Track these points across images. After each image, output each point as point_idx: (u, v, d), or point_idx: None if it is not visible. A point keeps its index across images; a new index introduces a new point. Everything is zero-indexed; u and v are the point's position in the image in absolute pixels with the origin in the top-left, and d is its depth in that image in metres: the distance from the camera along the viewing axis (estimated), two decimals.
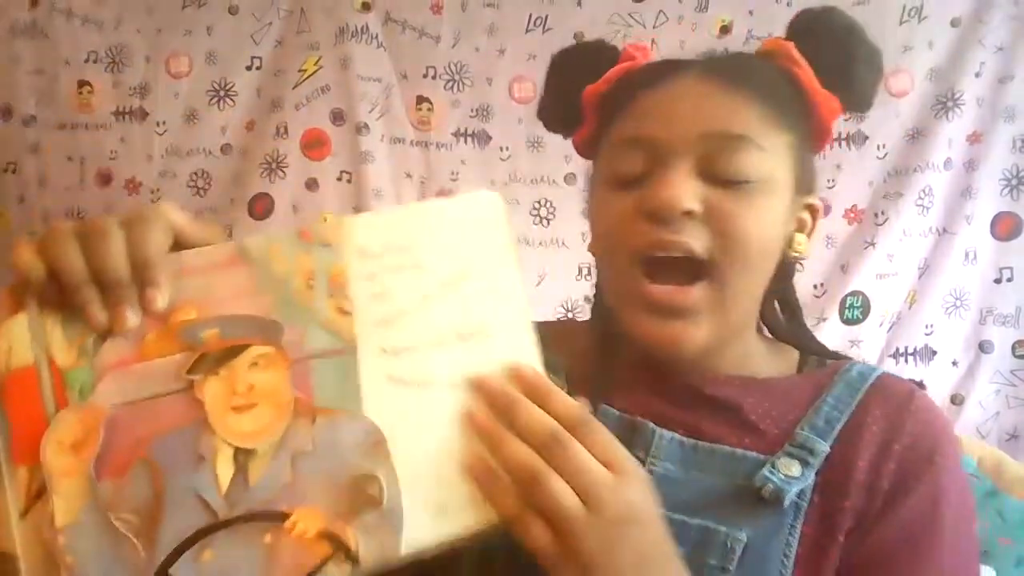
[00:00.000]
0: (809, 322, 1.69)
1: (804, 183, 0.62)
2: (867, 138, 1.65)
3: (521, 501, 0.42)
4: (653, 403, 0.59)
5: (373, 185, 1.72)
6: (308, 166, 1.74)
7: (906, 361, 1.62)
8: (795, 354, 0.66)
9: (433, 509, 0.41)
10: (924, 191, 1.61)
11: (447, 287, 0.45)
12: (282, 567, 0.40)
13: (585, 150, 0.68)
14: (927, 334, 1.62)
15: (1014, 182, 1.61)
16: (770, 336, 0.68)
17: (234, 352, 0.42)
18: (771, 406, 0.58)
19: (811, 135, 0.63)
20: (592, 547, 0.41)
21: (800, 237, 0.62)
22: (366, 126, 1.72)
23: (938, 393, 1.61)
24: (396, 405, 0.43)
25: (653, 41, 1.69)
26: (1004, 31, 1.60)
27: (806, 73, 0.61)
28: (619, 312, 0.60)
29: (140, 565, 0.39)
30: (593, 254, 0.65)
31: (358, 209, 1.74)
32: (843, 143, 1.65)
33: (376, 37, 1.73)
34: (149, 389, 0.41)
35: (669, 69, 0.61)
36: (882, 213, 1.63)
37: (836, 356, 0.66)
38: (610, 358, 0.62)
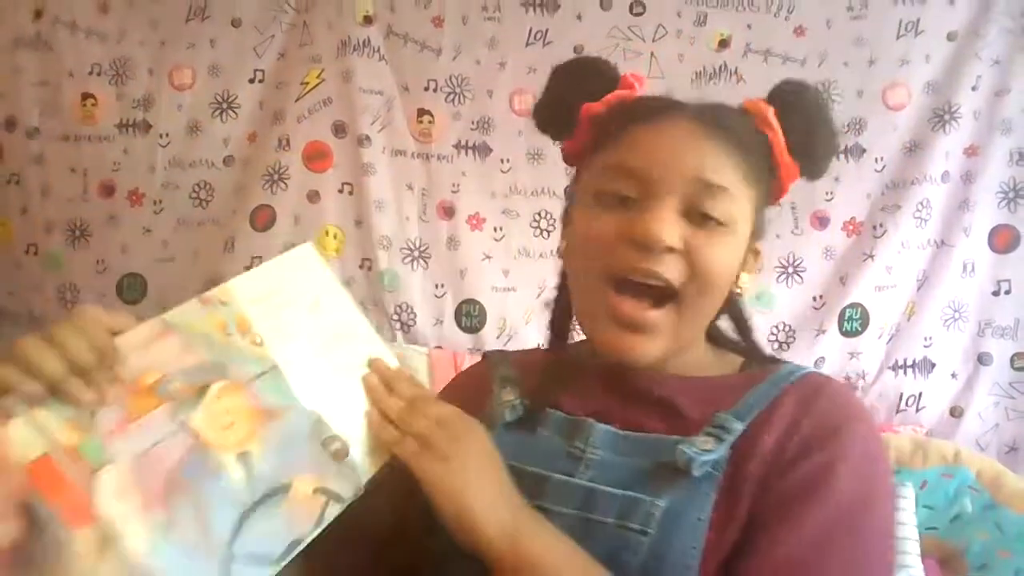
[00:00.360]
0: (808, 334, 1.71)
1: (758, 231, 0.71)
2: (865, 151, 1.66)
3: (400, 434, 0.60)
4: (603, 404, 0.68)
5: (375, 197, 1.73)
6: (310, 178, 1.75)
7: (905, 373, 1.63)
8: (738, 360, 0.74)
9: (362, 453, 0.60)
10: (922, 203, 1.62)
11: (312, 311, 0.64)
12: (300, 521, 0.55)
13: (572, 159, 0.76)
14: (926, 346, 1.63)
15: (1011, 195, 1.62)
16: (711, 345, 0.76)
17: (202, 392, 0.56)
18: (705, 400, 0.66)
19: (770, 192, 0.71)
20: (443, 446, 0.58)
21: (744, 276, 0.71)
22: (368, 138, 1.73)
23: (937, 405, 1.62)
24: (317, 393, 0.61)
25: (652, 54, 1.71)
26: (1000, 45, 1.62)
27: (778, 138, 0.69)
28: (584, 318, 0.69)
29: (209, 553, 0.52)
30: (562, 258, 0.73)
31: (360, 221, 1.75)
32: (841, 156, 1.66)
33: (378, 50, 1.75)
34: (152, 438, 0.53)
35: (664, 107, 0.68)
36: (880, 225, 1.64)
37: (775, 361, 0.73)
38: (563, 374, 0.73)
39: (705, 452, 0.61)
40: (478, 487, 0.57)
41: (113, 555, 0.48)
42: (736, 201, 0.64)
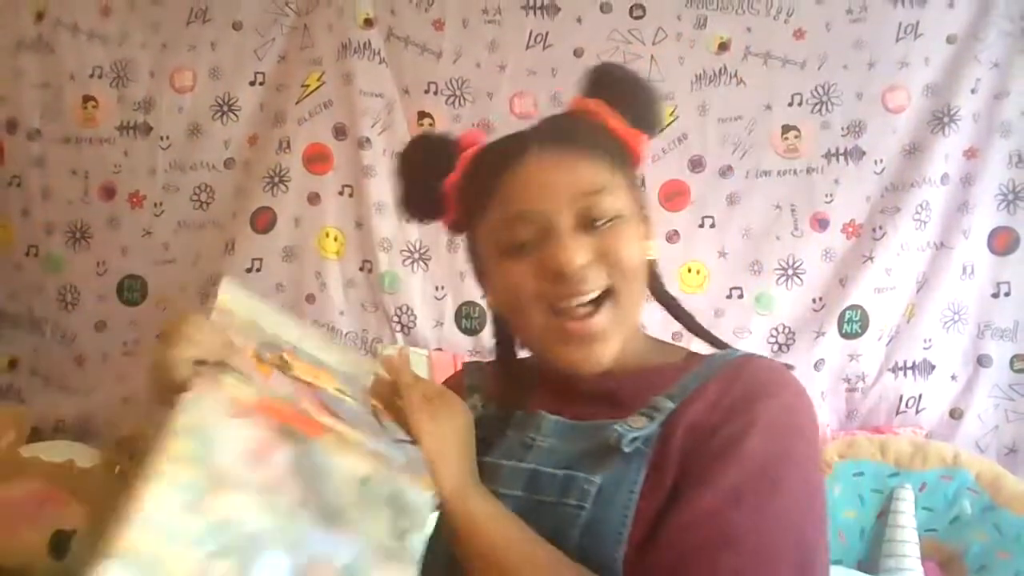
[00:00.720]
0: (808, 336, 1.72)
1: (638, 199, 0.77)
2: (865, 153, 1.66)
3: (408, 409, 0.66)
4: (555, 402, 0.74)
5: (375, 199, 1.73)
6: (310, 180, 1.75)
7: (905, 375, 1.63)
8: (683, 351, 0.79)
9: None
10: (921, 206, 1.63)
11: (302, 340, 0.68)
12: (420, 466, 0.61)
13: (456, 230, 0.81)
14: (926, 348, 1.63)
15: (1011, 197, 1.62)
16: (655, 337, 0.82)
17: (284, 361, 0.62)
18: (646, 387, 0.70)
19: (629, 162, 0.78)
20: (437, 410, 0.66)
21: (647, 244, 0.76)
22: (368, 141, 1.73)
23: (937, 407, 1.62)
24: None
25: (652, 57, 1.71)
26: (999, 48, 1.62)
27: (614, 119, 0.76)
28: (543, 350, 0.74)
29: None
30: (493, 308, 0.79)
31: (360, 223, 1.75)
32: (841, 158, 1.67)
33: (378, 53, 1.75)
34: (286, 391, 0.57)
35: (514, 148, 0.73)
36: (880, 228, 1.64)
37: (717, 341, 0.79)
38: (518, 383, 0.80)
39: (635, 429, 0.65)
40: (448, 448, 0.65)
41: (353, 448, 0.54)
42: (613, 192, 0.70)
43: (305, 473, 0.50)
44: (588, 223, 0.69)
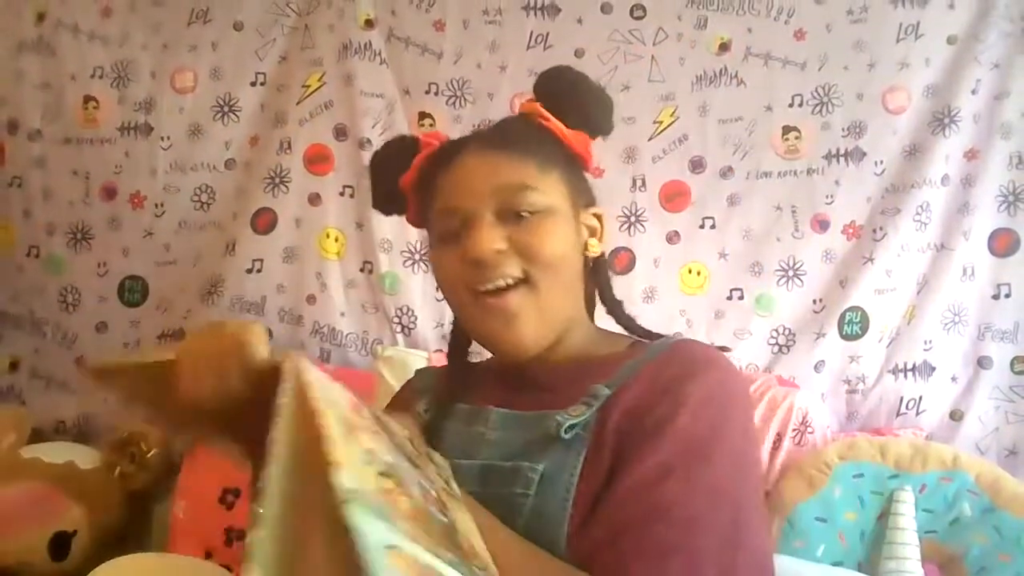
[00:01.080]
0: (808, 337, 1.72)
1: (582, 199, 0.83)
2: (865, 154, 1.66)
3: None
4: (504, 396, 0.79)
5: None
6: (311, 181, 1.75)
7: (905, 377, 1.63)
8: (627, 340, 0.84)
9: None
10: (922, 207, 1.63)
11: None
12: None
13: (417, 223, 0.89)
14: (926, 350, 1.63)
15: (1011, 198, 1.62)
16: (603, 329, 0.87)
17: None
18: (587, 377, 0.74)
19: (573, 162, 0.83)
20: None
21: (592, 241, 0.83)
22: (368, 141, 1.73)
23: (937, 409, 1.62)
24: None
25: (653, 57, 1.71)
26: (1000, 48, 1.62)
27: (554, 123, 0.82)
28: (469, 329, 0.81)
29: None
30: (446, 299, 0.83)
31: (361, 224, 1.75)
32: (841, 159, 1.67)
33: (379, 54, 1.75)
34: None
35: (457, 147, 0.81)
36: (880, 229, 1.64)
37: (652, 335, 0.84)
38: (463, 377, 0.87)
39: (573, 417, 0.70)
40: None
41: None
42: (541, 189, 0.76)
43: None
44: (509, 216, 0.76)
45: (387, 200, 0.91)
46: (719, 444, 0.67)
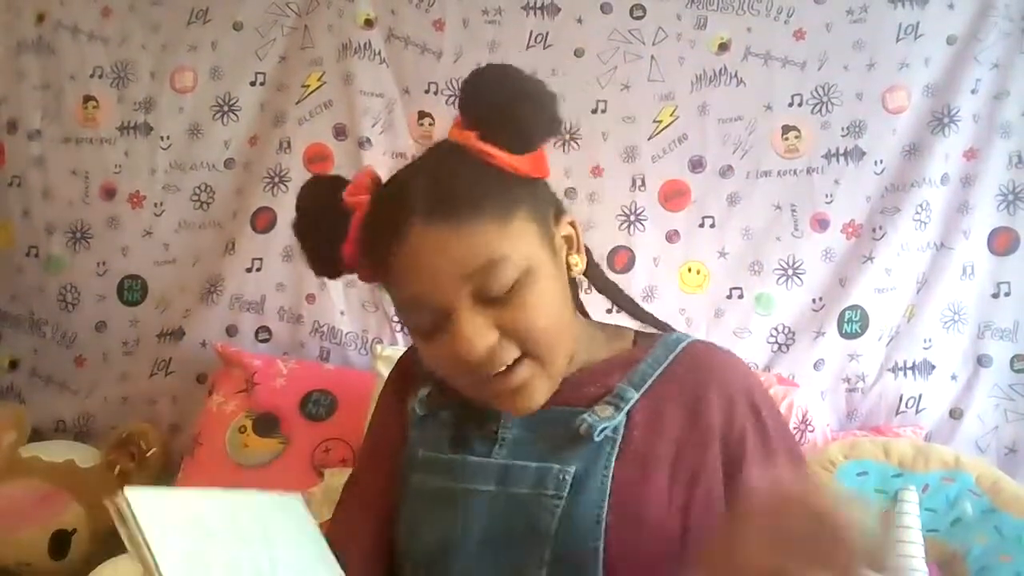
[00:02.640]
0: (808, 336, 1.72)
1: (552, 219, 0.73)
2: (864, 154, 1.66)
3: None
4: None
5: None
6: None
7: (905, 375, 1.63)
8: (630, 333, 0.81)
9: None
10: (921, 206, 1.63)
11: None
12: None
13: (370, 281, 0.74)
14: (926, 348, 1.63)
15: (1011, 197, 1.62)
16: (602, 323, 0.84)
17: None
18: (601, 376, 0.73)
19: (524, 194, 0.69)
20: None
21: (574, 258, 0.74)
22: (368, 141, 1.74)
23: (937, 407, 1.62)
24: None
25: (652, 57, 1.71)
26: (999, 48, 1.62)
27: (498, 158, 0.68)
28: (479, 400, 0.73)
29: None
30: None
31: None
32: (841, 159, 1.67)
33: (379, 53, 1.75)
34: None
35: (396, 217, 0.66)
36: (880, 228, 1.64)
37: (660, 325, 0.82)
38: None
39: (604, 419, 0.69)
40: None
41: None
42: (509, 253, 0.65)
43: None
44: (487, 297, 0.66)
45: (328, 265, 0.76)
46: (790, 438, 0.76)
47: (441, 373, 0.72)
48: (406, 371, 0.84)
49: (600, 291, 0.84)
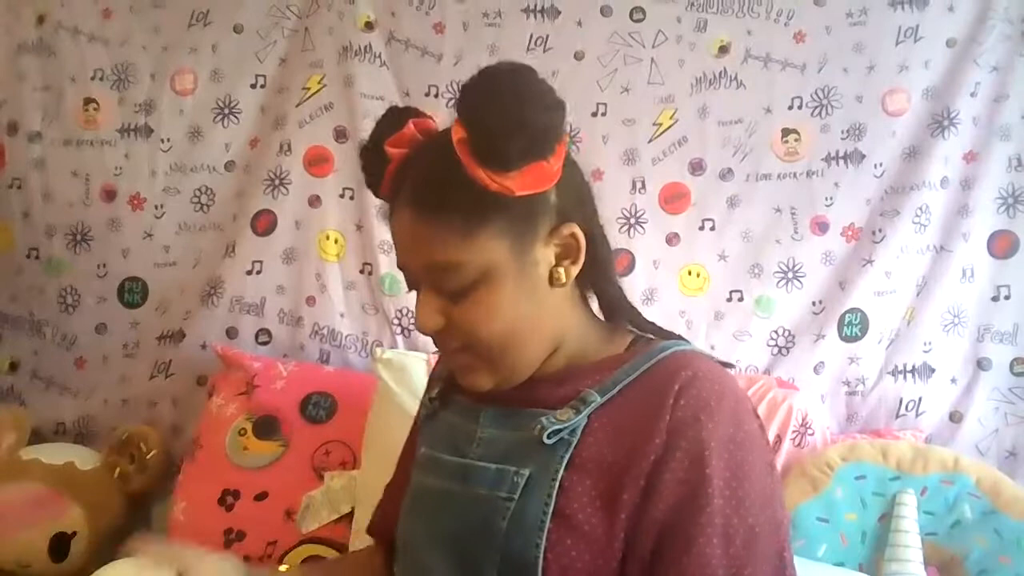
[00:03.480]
0: (808, 339, 1.72)
1: (539, 233, 0.70)
2: (864, 156, 1.66)
3: None
4: (499, 394, 0.75)
5: (375, 201, 1.70)
6: (311, 183, 1.75)
7: (904, 378, 1.63)
8: (627, 337, 0.79)
9: None
10: (921, 209, 1.63)
11: None
12: None
13: None
14: (925, 351, 1.63)
15: (1010, 200, 1.62)
16: (604, 322, 0.82)
17: None
18: (580, 380, 0.72)
19: (500, 204, 0.67)
20: None
21: (560, 271, 0.72)
22: None
23: (937, 410, 1.62)
24: None
25: (652, 60, 1.71)
26: (999, 51, 1.62)
27: (477, 172, 0.66)
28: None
29: None
30: None
31: (360, 225, 1.75)
32: (841, 161, 1.67)
33: (379, 56, 1.75)
34: None
35: (396, 186, 0.73)
36: (880, 231, 1.64)
37: (663, 332, 0.79)
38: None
39: (560, 422, 0.68)
40: None
41: None
42: (466, 260, 0.67)
43: None
44: (442, 291, 0.70)
45: (375, 190, 0.80)
46: (750, 480, 0.66)
47: None
48: (430, 376, 0.93)
49: (602, 300, 0.81)
